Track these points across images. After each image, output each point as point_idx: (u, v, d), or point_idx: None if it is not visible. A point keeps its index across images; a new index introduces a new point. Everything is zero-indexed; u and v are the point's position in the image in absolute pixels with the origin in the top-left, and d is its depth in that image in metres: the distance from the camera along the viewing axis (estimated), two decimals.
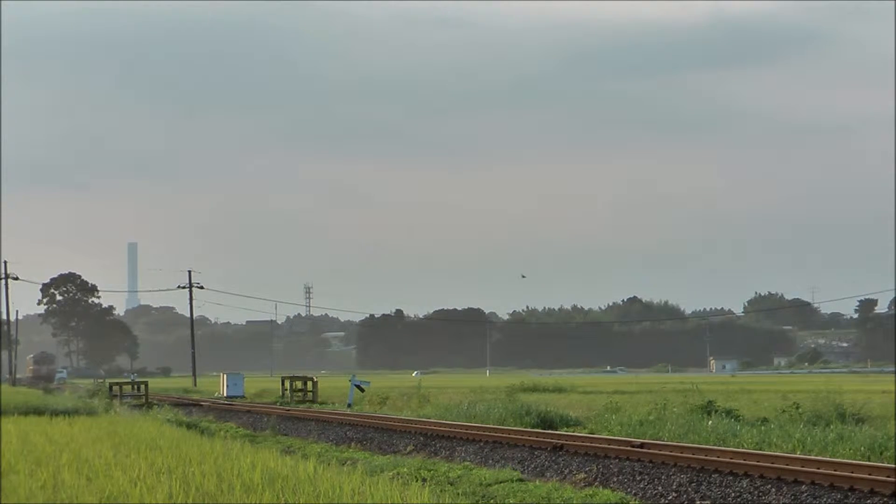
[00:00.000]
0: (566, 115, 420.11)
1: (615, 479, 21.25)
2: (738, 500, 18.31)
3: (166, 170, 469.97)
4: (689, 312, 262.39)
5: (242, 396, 68.49)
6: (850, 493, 17.38)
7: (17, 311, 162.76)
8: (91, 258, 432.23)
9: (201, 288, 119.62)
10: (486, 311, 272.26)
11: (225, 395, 69.46)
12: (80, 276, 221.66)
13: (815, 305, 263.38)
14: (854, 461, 19.94)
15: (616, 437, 26.59)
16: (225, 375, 73.73)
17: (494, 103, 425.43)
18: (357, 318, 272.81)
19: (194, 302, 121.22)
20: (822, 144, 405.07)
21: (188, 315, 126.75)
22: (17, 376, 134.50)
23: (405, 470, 23.22)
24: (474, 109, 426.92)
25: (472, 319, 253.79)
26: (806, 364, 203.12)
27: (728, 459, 20.88)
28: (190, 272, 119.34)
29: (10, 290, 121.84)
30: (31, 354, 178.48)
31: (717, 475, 19.92)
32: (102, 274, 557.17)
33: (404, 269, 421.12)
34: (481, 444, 28.21)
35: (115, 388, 60.72)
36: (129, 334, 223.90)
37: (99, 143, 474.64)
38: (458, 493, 19.69)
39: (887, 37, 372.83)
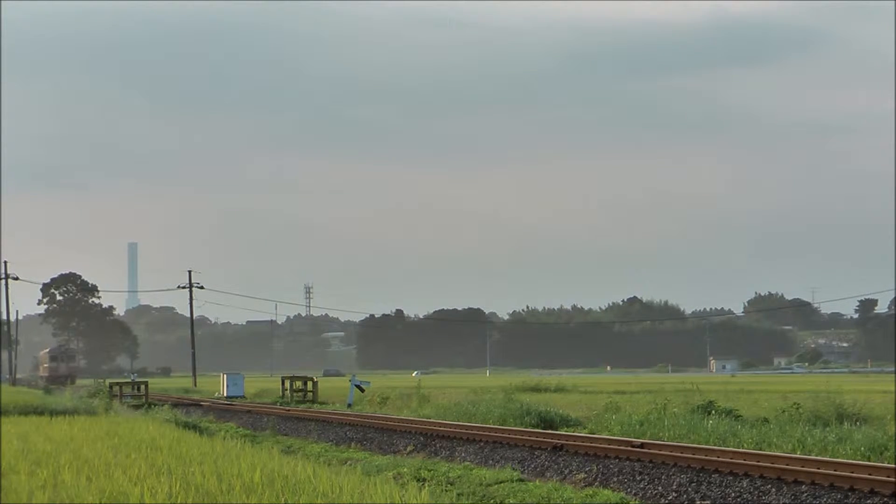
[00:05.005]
0: (566, 116, 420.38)
1: (615, 480, 21.24)
2: (738, 500, 18.31)
3: (167, 170, 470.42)
4: (689, 312, 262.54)
5: (242, 396, 68.50)
6: (850, 493, 17.38)
7: (17, 311, 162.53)
8: (91, 258, 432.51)
9: (201, 288, 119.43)
10: (486, 311, 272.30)
11: (225, 395, 69.51)
12: (80, 276, 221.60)
13: (815, 305, 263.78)
14: (854, 461, 19.95)
15: (616, 437, 26.58)
16: (225, 375, 73.78)
17: (494, 103, 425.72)
18: (357, 318, 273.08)
19: (194, 302, 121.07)
20: (822, 144, 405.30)
21: (188, 315, 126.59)
22: (19, 376, 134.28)
23: (405, 470, 23.22)
24: (474, 109, 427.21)
25: (472, 319, 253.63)
26: (806, 364, 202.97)
27: (728, 459, 20.87)
28: (190, 272, 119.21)
29: (10, 290, 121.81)
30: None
31: (717, 475, 19.91)
32: (102, 274, 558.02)
33: (404, 269, 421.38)
34: (481, 444, 28.19)
35: (115, 388, 60.70)
36: (129, 334, 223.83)
37: (99, 143, 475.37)
38: (458, 494, 19.68)
39: (887, 37, 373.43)
